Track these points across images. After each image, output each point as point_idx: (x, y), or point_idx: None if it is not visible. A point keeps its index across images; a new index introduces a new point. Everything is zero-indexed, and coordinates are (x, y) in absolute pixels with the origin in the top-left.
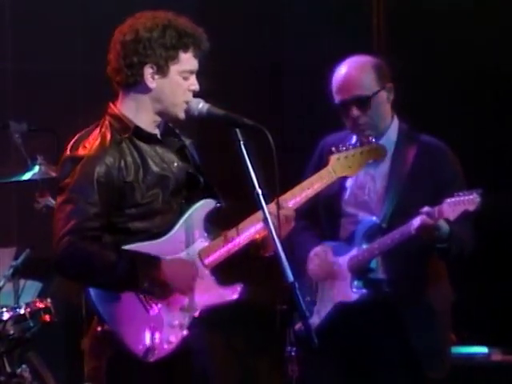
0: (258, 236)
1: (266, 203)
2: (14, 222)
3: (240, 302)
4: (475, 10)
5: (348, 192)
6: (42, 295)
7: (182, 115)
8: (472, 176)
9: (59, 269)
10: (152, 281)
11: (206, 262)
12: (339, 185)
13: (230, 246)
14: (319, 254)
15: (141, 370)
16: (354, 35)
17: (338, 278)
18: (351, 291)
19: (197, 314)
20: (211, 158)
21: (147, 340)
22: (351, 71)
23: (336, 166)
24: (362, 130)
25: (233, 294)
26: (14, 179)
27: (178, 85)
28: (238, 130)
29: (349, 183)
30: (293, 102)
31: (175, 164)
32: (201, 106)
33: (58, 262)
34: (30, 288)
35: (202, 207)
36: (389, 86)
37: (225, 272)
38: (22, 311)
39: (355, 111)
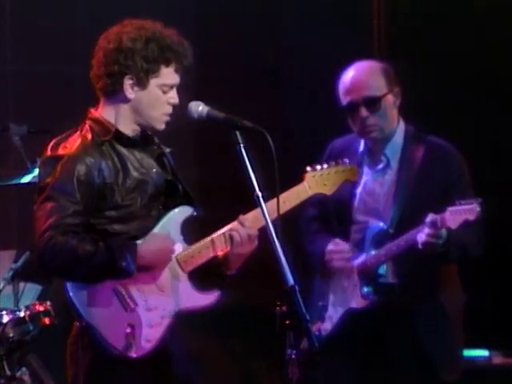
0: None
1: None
2: (13, 225)
3: (239, 305)
4: (476, 11)
5: (357, 199)
6: (41, 298)
7: (160, 127)
8: (472, 177)
9: (41, 263)
10: (129, 261)
11: (189, 268)
12: (349, 192)
13: (211, 251)
14: (334, 248)
15: (120, 376)
16: (355, 37)
17: (348, 283)
18: (361, 298)
19: (173, 315)
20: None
21: (124, 336)
22: (361, 73)
23: (311, 183)
24: (369, 131)
25: (210, 299)
26: (13, 182)
27: (157, 98)
28: (237, 133)
29: (358, 190)
30: (292, 104)
31: (154, 170)
32: (200, 108)
33: (40, 256)
34: (30, 291)
35: (179, 213)
36: (396, 91)
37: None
38: (21, 314)
39: (364, 112)
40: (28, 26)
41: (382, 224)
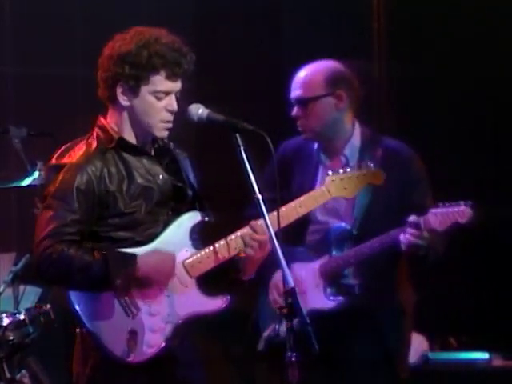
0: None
1: (266, 208)
2: (13, 228)
3: (239, 307)
4: (476, 12)
5: None
6: (41, 301)
7: (161, 134)
8: (471, 179)
9: (38, 271)
10: (125, 277)
11: (197, 273)
12: (308, 190)
13: (219, 257)
14: (279, 285)
15: (123, 378)
16: (355, 38)
17: (308, 284)
18: (327, 299)
19: (180, 321)
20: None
21: (125, 341)
22: (302, 72)
23: (331, 187)
24: (301, 131)
25: (218, 304)
26: (13, 184)
27: (151, 105)
28: (237, 136)
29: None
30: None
31: (160, 176)
32: (200, 111)
33: (38, 264)
34: (30, 293)
35: (189, 219)
36: (338, 94)
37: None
38: (21, 317)
39: (295, 111)
40: (28, 27)
41: (344, 224)
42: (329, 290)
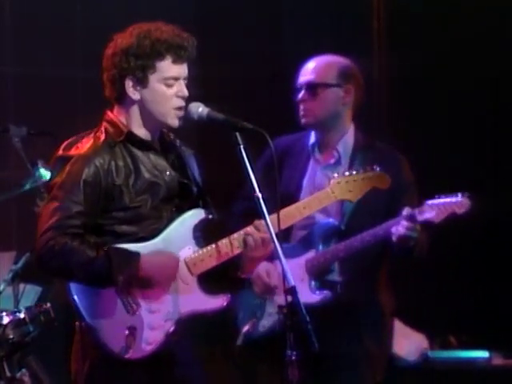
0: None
1: (266, 207)
2: (13, 226)
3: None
4: (476, 10)
5: (304, 193)
6: (41, 299)
7: (173, 123)
8: (470, 179)
9: (40, 263)
10: (128, 275)
11: (198, 271)
12: (296, 185)
13: (222, 255)
14: (261, 276)
15: (122, 376)
16: (354, 37)
17: (293, 278)
18: (313, 293)
19: (180, 319)
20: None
21: (124, 337)
22: (314, 61)
23: (336, 189)
24: (302, 115)
25: (219, 302)
26: (23, 190)
27: (162, 93)
28: (237, 134)
29: (305, 183)
30: (292, 104)
31: (167, 172)
32: (200, 110)
33: (40, 255)
34: (30, 292)
35: (192, 216)
36: (347, 88)
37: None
38: (21, 315)
39: (302, 94)
40: (28, 27)
41: (331, 220)
42: (313, 283)
